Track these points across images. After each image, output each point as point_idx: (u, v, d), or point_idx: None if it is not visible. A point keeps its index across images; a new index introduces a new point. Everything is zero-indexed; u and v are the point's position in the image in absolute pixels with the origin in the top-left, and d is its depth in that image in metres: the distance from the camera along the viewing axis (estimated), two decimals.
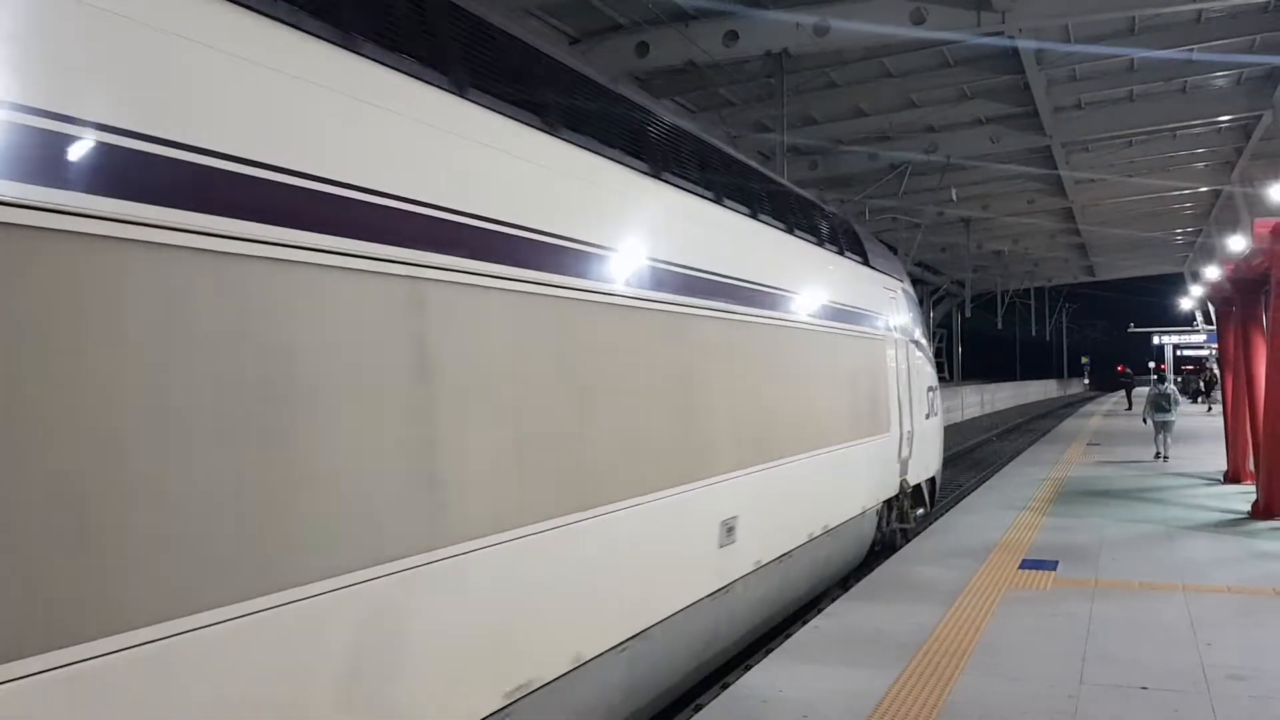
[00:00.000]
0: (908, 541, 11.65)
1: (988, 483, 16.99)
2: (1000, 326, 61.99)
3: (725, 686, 6.75)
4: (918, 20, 16.59)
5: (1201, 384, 46.36)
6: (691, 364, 6.73)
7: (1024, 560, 9.78)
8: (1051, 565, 9.48)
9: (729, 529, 7.09)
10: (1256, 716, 5.48)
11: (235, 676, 3.30)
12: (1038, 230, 43.09)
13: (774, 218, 8.76)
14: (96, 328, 2.92)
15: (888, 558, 10.53)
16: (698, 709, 6.44)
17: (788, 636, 7.56)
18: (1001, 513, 12.89)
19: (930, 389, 14.55)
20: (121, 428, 2.97)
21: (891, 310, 12.55)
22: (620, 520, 5.64)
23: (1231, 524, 11.82)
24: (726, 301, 7.32)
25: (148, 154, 3.09)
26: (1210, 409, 35.48)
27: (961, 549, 10.46)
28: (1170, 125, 26.92)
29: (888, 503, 11.96)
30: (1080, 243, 48.19)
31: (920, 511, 13.52)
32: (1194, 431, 25.29)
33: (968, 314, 53.79)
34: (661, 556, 6.20)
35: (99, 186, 2.94)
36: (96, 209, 2.92)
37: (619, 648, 5.61)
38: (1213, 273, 20.02)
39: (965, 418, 42.68)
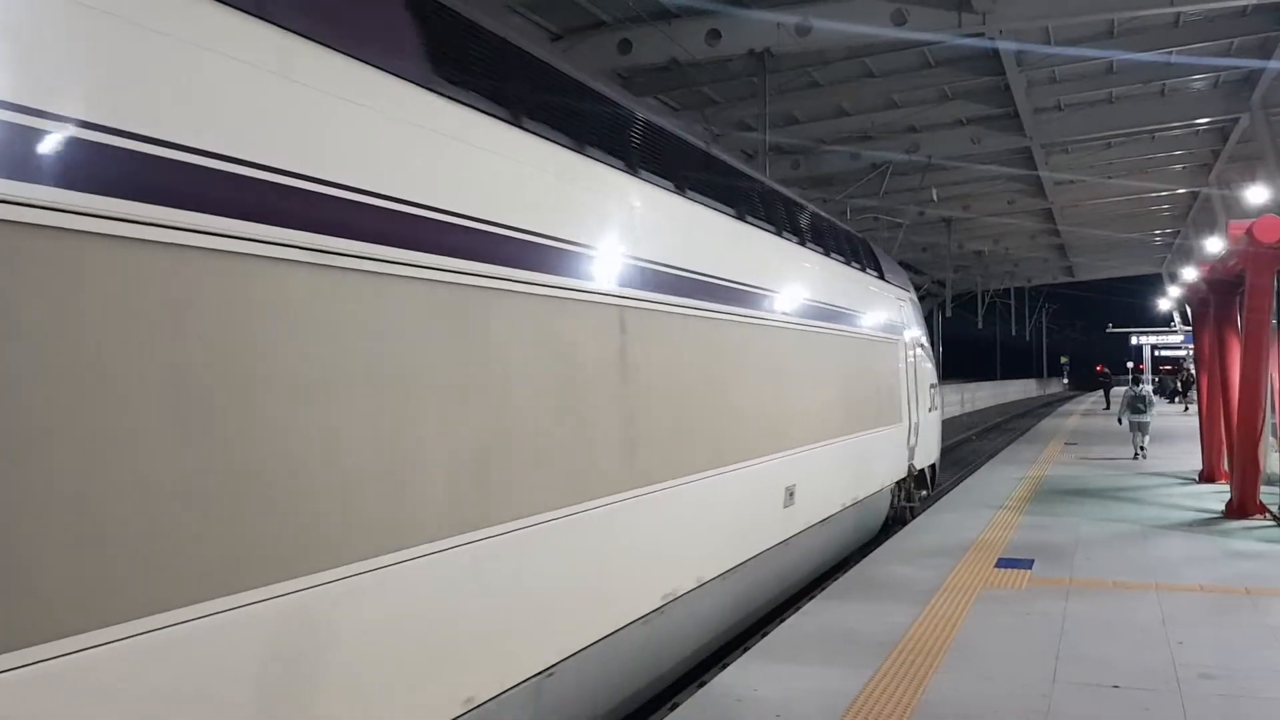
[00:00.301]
0: (914, 518, 13.10)
1: (966, 481, 17.06)
2: (980, 326, 62.28)
3: (702, 685, 6.76)
4: (899, 21, 16.65)
5: (1178, 384, 46.71)
6: (772, 360, 8.82)
7: (1000, 559, 9.83)
8: (1027, 564, 9.53)
9: (791, 493, 9.04)
10: (1226, 715, 5.52)
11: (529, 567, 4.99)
12: (1018, 231, 43.31)
13: (816, 243, 10.71)
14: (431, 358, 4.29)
15: (897, 531, 11.95)
16: (674, 707, 6.45)
17: (764, 635, 7.58)
18: (979, 511, 12.95)
19: (932, 386, 16.58)
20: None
21: (902, 317, 14.71)
22: (732, 479, 7.61)
23: (1205, 523, 11.91)
24: (792, 316, 9.44)
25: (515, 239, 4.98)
26: (1187, 409, 35.77)
27: (938, 548, 10.50)
28: (1149, 127, 27.10)
29: (899, 483, 13.95)
30: (1060, 243, 48.45)
31: (924, 493, 15.43)
32: (1170, 431, 25.49)
33: (948, 313, 54.03)
34: (752, 509, 8.16)
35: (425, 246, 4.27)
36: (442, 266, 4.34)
37: (724, 575, 7.53)
38: (1190, 274, 20.18)
39: (945, 416, 42.83)
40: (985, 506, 13.38)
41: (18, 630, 2.56)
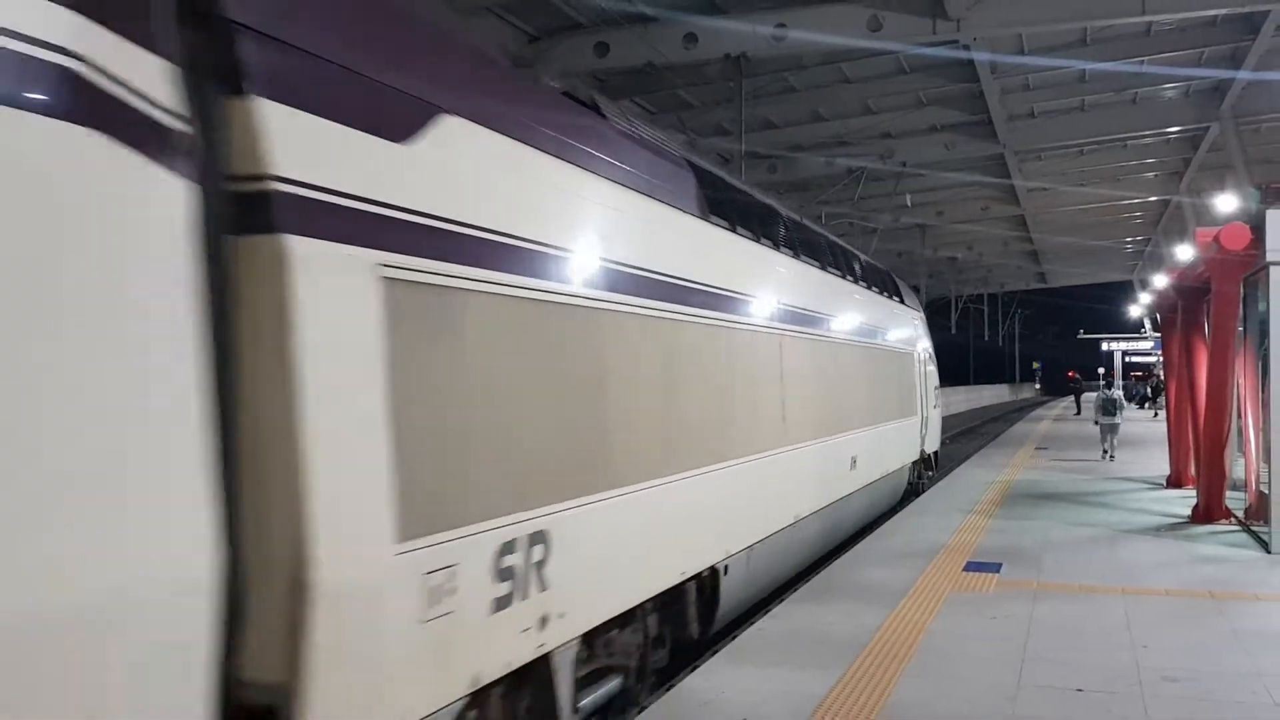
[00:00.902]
0: (923, 492, 16.44)
1: (938, 485, 17.16)
2: (954, 331, 62.61)
3: (670, 688, 6.76)
4: (874, 28, 16.73)
5: (1148, 390, 47.08)
6: (843, 367, 12.21)
7: (969, 563, 9.89)
8: (995, 568, 9.60)
9: (854, 460, 12.36)
10: (1189, 717, 5.58)
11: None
12: (991, 237, 43.61)
13: (865, 281, 14.37)
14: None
15: (910, 502, 15.06)
16: (642, 710, 6.44)
17: (733, 638, 7.59)
18: (950, 515, 13.03)
19: (935, 387, 20.74)
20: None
21: (915, 333, 18.48)
22: (825, 448, 10.98)
23: (1172, 528, 12.03)
24: (853, 336, 12.92)
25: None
26: (1156, 414, 36.11)
27: (909, 550, 10.57)
28: (1121, 135, 27.39)
29: (914, 463, 17.42)
30: (1033, 250, 48.80)
31: (930, 473, 19.26)
32: (1140, 436, 25.73)
33: None
34: (834, 469, 11.44)
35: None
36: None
37: (819, 510, 10.80)
38: (1160, 281, 20.46)
39: None
40: (956, 510, 13.47)
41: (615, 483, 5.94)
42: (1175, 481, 15.90)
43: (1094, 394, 27.94)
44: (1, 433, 2.64)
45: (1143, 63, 21.13)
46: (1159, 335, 30.67)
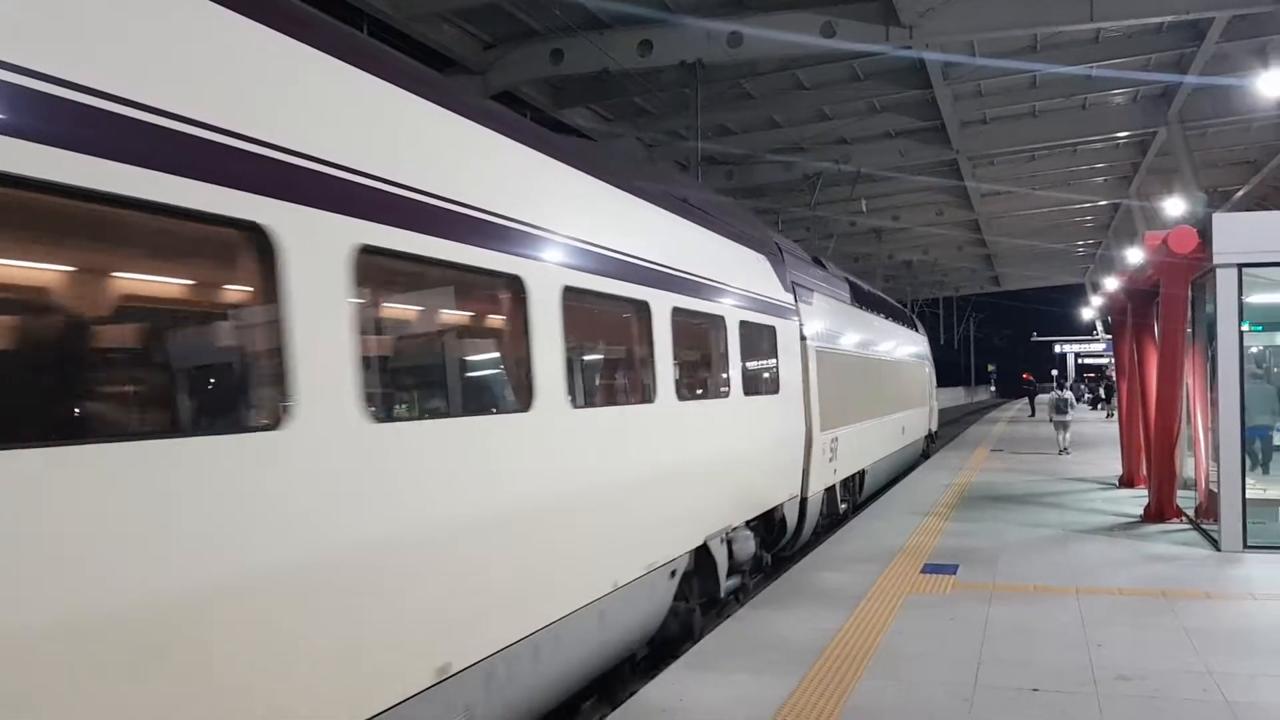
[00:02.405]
0: (930, 456, 24.64)
1: (894, 488, 17.27)
2: None
3: (631, 694, 6.73)
4: (828, 33, 16.85)
5: (1100, 390, 47.69)
6: (898, 375, 20.53)
7: (926, 565, 9.95)
8: (952, 570, 9.67)
9: (903, 429, 20.70)
10: (1142, 716, 5.65)
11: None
12: (946, 241, 44.07)
13: (902, 322, 22.79)
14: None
15: (922, 465, 21.88)
16: (602, 719, 6.42)
17: (694, 644, 7.58)
18: (906, 518, 13.12)
19: (935, 387, 29.44)
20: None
21: (924, 350, 26.61)
22: (892, 419, 19.30)
23: (1124, 527, 12.18)
24: (901, 357, 21.37)
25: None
26: (1109, 415, 36.58)
27: (866, 554, 10.62)
28: (1071, 140, 27.77)
29: (925, 437, 25.65)
30: (987, 253, 49.35)
31: (933, 444, 27.21)
32: (1093, 437, 26.06)
33: None
34: (894, 433, 19.47)
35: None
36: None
37: (886, 456, 18.45)
38: (1110, 283, 20.77)
39: None
40: (912, 513, 13.56)
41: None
42: (1127, 481, 16.10)
43: (1048, 395, 28.71)
44: (789, 398, 11.39)
45: (1092, 69, 21.46)
46: (1111, 337, 31.14)
